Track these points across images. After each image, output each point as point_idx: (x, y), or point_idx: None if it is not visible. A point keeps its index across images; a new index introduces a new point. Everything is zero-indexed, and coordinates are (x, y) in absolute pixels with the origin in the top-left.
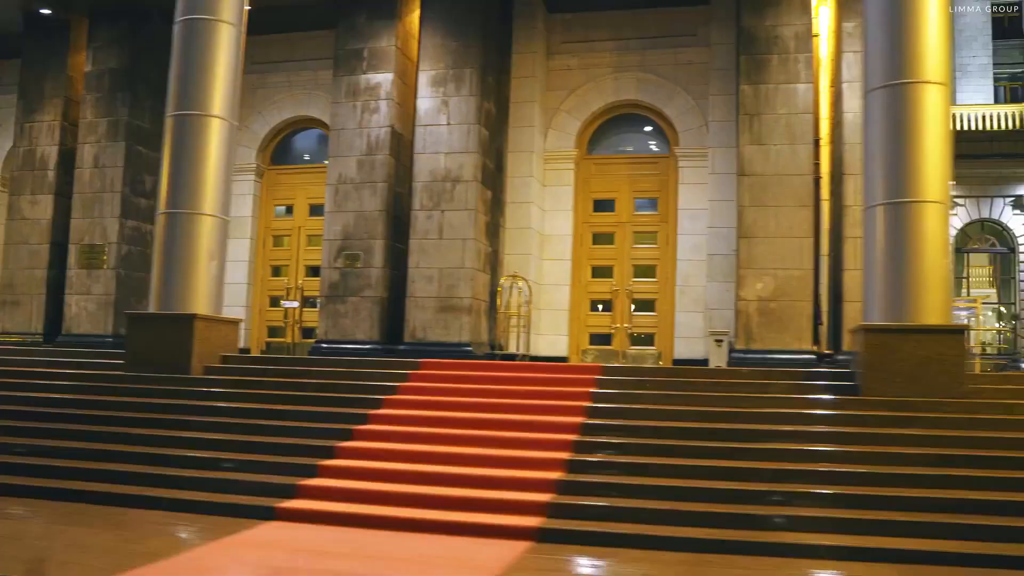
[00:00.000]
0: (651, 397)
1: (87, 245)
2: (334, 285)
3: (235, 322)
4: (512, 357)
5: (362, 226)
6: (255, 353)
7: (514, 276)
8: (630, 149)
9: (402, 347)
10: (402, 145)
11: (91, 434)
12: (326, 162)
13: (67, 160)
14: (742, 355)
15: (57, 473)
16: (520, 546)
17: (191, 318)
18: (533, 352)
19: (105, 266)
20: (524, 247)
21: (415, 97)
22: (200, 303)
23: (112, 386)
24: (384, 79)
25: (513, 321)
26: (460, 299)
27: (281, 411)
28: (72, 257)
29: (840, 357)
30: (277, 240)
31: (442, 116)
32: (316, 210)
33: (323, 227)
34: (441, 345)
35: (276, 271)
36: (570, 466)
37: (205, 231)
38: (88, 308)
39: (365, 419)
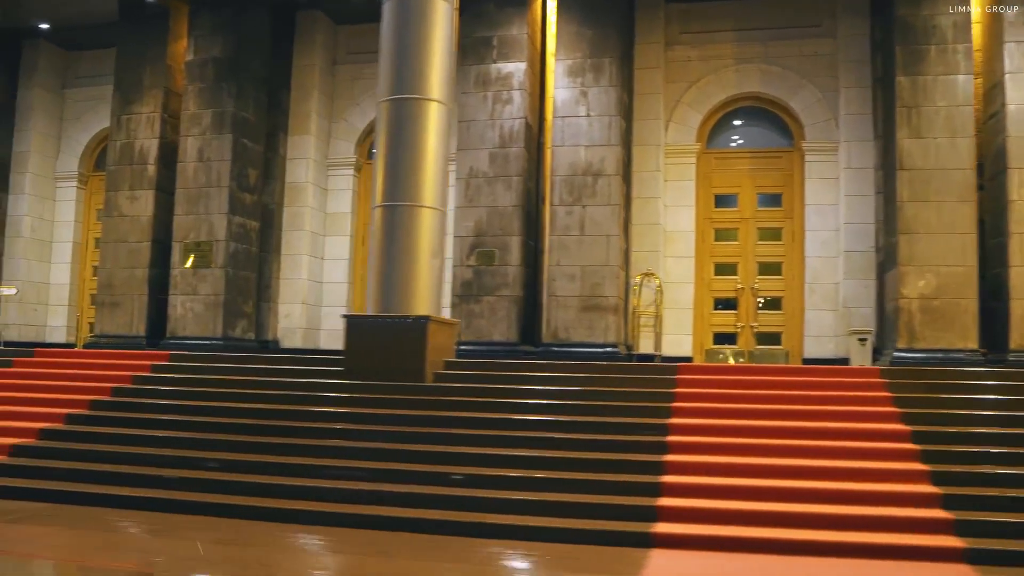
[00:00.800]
0: (965, 402)
1: (193, 243)
2: (467, 284)
3: (454, 324)
4: (650, 358)
5: (496, 222)
6: None
7: (648, 273)
8: (751, 143)
9: (539, 348)
10: (531, 136)
11: (314, 449)
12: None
13: (167, 154)
14: (904, 354)
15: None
16: (961, 571)
17: (425, 321)
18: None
19: (213, 265)
20: (651, 244)
21: (542, 87)
22: (423, 304)
23: (334, 396)
24: (516, 68)
25: (642, 320)
26: (605, 298)
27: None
28: (176, 255)
29: (1011, 357)
30: None
31: (581, 107)
32: None
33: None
34: (585, 346)
35: None
36: (934, 477)
37: (426, 225)
38: (195, 309)
39: (666, 430)
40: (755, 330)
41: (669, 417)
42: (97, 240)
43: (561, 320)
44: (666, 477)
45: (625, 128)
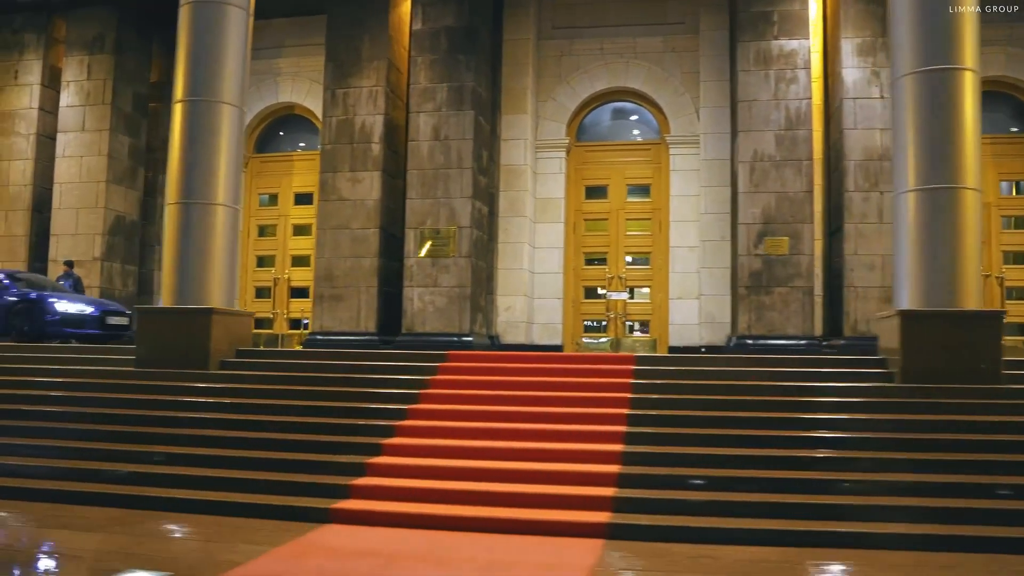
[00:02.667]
0: None
1: (431, 230)
2: (756, 274)
3: None
4: None
5: (786, 208)
6: (568, 351)
7: None
8: (993, 128)
9: (843, 342)
10: (819, 119)
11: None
12: (661, 137)
13: (390, 132)
14: None
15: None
16: None
17: (999, 316)
18: None
19: (455, 254)
20: None
21: (824, 65)
22: (971, 297)
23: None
24: (800, 45)
25: None
26: None
27: None
28: (410, 244)
29: None
30: (590, 224)
31: (874, 88)
32: (634, 191)
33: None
34: None
35: (591, 260)
36: None
37: (970, 209)
38: (436, 303)
39: None
40: None
41: None
42: (261, 227)
43: (862, 312)
44: None
45: None
